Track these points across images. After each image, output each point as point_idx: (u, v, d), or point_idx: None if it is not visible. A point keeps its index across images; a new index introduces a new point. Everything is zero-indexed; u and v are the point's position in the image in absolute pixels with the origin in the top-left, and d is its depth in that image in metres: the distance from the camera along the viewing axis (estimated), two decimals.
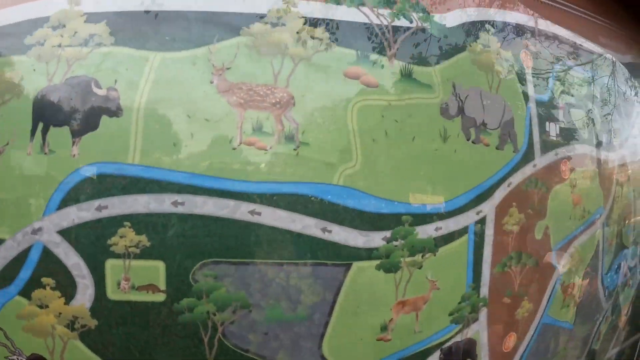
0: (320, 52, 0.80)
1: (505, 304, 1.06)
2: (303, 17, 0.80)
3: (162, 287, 0.76)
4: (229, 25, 0.79)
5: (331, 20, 0.82)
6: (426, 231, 0.88)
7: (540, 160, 1.10)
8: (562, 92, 1.20)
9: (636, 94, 1.66)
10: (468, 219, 0.94)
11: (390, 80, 0.85)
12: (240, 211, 0.76)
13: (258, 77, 0.79)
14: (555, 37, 1.21)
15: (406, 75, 0.86)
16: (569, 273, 1.27)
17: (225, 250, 0.77)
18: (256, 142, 0.79)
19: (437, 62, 0.90)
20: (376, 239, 0.84)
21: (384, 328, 0.88)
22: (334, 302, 0.82)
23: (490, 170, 0.98)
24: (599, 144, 1.38)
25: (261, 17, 0.79)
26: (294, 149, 0.79)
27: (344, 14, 0.82)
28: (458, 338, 0.98)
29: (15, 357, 0.82)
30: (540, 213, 1.11)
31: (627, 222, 1.62)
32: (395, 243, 0.86)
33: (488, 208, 0.97)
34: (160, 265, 0.75)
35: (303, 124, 0.79)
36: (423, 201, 0.86)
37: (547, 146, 1.13)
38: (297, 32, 0.79)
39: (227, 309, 0.76)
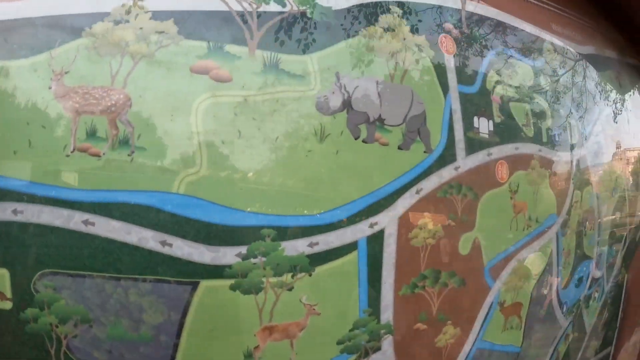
0: (164, 47, 0.71)
1: (420, 330, 0.91)
2: (149, 11, 0.71)
3: (8, 295, 0.72)
4: (71, 27, 0.73)
5: (182, 11, 0.72)
6: (296, 247, 0.76)
7: (465, 162, 0.95)
8: (498, 82, 1.05)
9: (601, 91, 1.51)
10: (357, 232, 0.80)
11: (248, 73, 0.73)
12: (74, 221, 0.70)
13: (96, 79, 0.72)
14: (491, 22, 1.06)
15: (271, 66, 0.74)
16: (510, 291, 1.12)
17: (62, 261, 0.72)
18: (89, 148, 0.72)
19: (316, 50, 0.78)
20: (228, 255, 0.72)
21: (248, 356, 0.76)
22: (182, 323, 0.72)
23: (389, 175, 0.83)
24: (550, 143, 1.23)
25: (105, 15, 0.72)
26: (128, 155, 0.69)
27: (198, 3, 0.72)
28: None
29: None
30: (465, 224, 0.95)
31: (589, 230, 1.47)
32: (254, 260, 0.74)
33: (387, 220, 0.82)
34: (5, 273, 0.71)
35: (139, 127, 0.69)
36: (292, 212, 0.73)
37: (476, 145, 0.98)
38: (140, 28, 0.70)
39: (69, 322, 0.71)
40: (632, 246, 1.97)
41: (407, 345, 0.91)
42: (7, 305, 0.72)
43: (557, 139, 1.25)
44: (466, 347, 1.04)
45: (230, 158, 0.72)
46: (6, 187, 0.72)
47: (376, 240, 0.83)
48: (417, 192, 0.87)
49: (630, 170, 1.80)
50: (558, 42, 1.35)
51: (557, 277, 1.30)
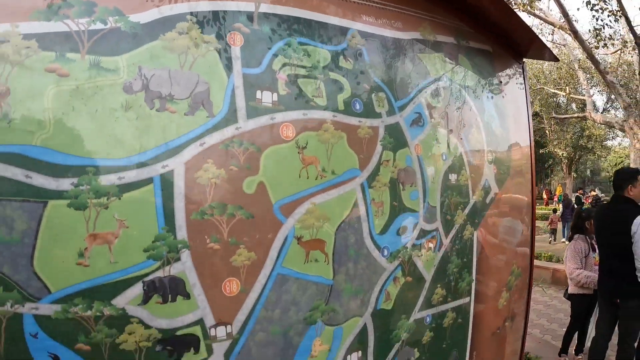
0: (29, 56, 1.12)
1: (213, 249, 1.30)
2: (22, 34, 1.11)
3: None
4: None
5: (41, 33, 1.13)
6: (109, 179, 1.16)
7: (247, 124, 1.35)
8: (285, 64, 1.47)
9: (424, 70, 1.94)
10: (152, 171, 1.20)
11: (80, 70, 1.16)
12: None
13: None
14: (284, 17, 1.48)
15: (94, 65, 1.17)
16: (308, 228, 1.50)
17: None
18: None
19: (126, 52, 1.21)
20: (66, 184, 1.13)
21: (81, 255, 1.14)
22: (37, 230, 1.10)
23: (177, 132, 1.24)
24: (348, 111, 1.66)
25: None
26: (7, 123, 1.08)
27: (51, 26, 1.14)
28: (160, 274, 1.21)
29: None
30: (249, 170, 1.35)
31: (409, 186, 1.88)
32: (82, 187, 1.13)
33: (175, 163, 1.22)
34: None
35: (14, 106, 1.10)
36: (107, 156, 1.16)
37: (259, 111, 1.39)
38: (16, 46, 1.11)
39: None
40: (479, 205, 2.40)
41: (203, 260, 1.29)
42: None
43: (357, 107, 1.69)
44: (265, 270, 1.42)
45: (68, 123, 1.14)
46: None
47: (167, 177, 1.22)
48: (201, 144, 1.27)
49: (460, 136, 2.20)
50: (368, 29, 1.75)
51: (367, 223, 1.71)
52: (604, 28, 10.20)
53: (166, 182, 1.21)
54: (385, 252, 1.77)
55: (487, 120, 2.40)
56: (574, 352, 6.76)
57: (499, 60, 2.61)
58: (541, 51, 2.87)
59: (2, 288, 1.08)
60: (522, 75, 2.89)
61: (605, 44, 10.61)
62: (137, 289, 1.20)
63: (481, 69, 2.40)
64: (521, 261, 2.82)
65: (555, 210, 14.87)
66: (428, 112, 1.98)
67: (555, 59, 3.04)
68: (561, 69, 17.72)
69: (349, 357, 1.68)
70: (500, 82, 2.60)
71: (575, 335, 6.50)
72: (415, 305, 1.96)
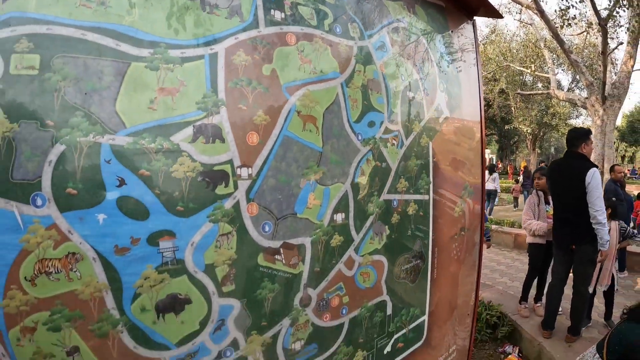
0: None
1: (242, 109, 1.94)
2: None
3: None
4: None
5: None
6: (175, 53, 1.57)
7: (265, 30, 1.98)
8: None
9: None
10: (204, 51, 1.70)
11: None
12: None
13: None
14: None
15: None
16: (305, 107, 2.15)
17: None
18: None
19: None
20: (144, 52, 1.47)
21: (151, 101, 1.48)
22: (121, 82, 1.43)
23: (220, 28, 1.69)
24: (330, 32, 2.31)
25: None
26: (104, 9, 1.41)
27: None
28: (205, 121, 1.65)
29: None
30: (265, 59, 1.98)
31: (375, 92, 2.58)
32: (156, 56, 1.49)
33: (219, 48, 1.76)
34: None
35: None
36: (174, 38, 1.57)
37: (273, 23, 2.01)
38: None
39: None
40: (432, 121, 3.13)
41: (235, 115, 1.94)
42: None
43: (337, 30, 2.36)
44: (276, 130, 2.08)
45: (147, 13, 1.49)
46: None
47: (213, 56, 1.84)
48: (235, 38, 1.95)
49: (416, 66, 2.86)
50: None
51: (346, 112, 2.42)
52: (569, 9, 11.14)
53: (213, 59, 1.81)
54: (360, 137, 2.45)
55: (439, 59, 3.13)
56: (533, 301, 7.66)
57: (451, 16, 3.34)
58: (489, 11, 3.61)
59: (88, 123, 1.35)
60: (473, 30, 3.64)
61: (570, 24, 11.59)
62: (189, 130, 1.60)
63: (434, 19, 3.13)
64: (473, 182, 3.33)
65: (517, 181, 16.34)
66: (390, 42, 2.69)
67: (500, 16, 3.80)
68: (527, 47, 18.80)
69: (335, 215, 2.39)
70: (452, 33, 3.34)
71: (535, 285, 7.36)
72: (384, 186, 2.59)
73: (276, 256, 2.03)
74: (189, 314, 1.75)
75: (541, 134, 28.48)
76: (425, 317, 3.18)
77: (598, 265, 5.73)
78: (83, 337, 1.47)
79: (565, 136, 5.79)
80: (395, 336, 2.89)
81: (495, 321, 6.83)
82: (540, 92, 20.96)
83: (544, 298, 6.68)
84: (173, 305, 1.72)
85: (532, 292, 7.42)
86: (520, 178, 17.29)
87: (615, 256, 6.02)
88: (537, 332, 6.60)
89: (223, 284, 1.83)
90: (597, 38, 14.81)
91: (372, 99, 2.48)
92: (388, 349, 2.88)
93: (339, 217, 2.32)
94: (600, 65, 13.68)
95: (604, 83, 11.99)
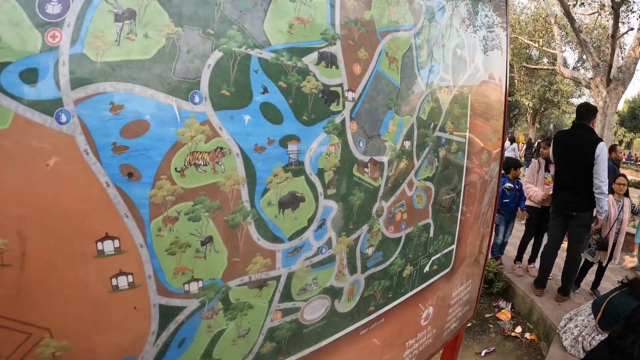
0: None
1: (350, 44, 2.39)
2: None
3: None
4: None
5: None
6: None
7: None
8: None
9: None
10: None
11: None
12: None
13: None
14: None
15: None
16: (390, 49, 2.68)
17: None
18: None
19: None
20: None
21: (290, 26, 1.72)
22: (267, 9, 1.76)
23: None
24: None
25: None
26: None
27: None
28: (326, 49, 1.83)
29: None
30: (366, 6, 2.47)
31: (435, 46, 3.14)
32: None
33: None
34: None
35: None
36: None
37: None
38: None
39: None
40: (474, 72, 3.75)
41: (345, 45, 2.54)
42: None
43: None
44: (372, 65, 2.61)
45: None
46: None
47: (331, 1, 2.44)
48: None
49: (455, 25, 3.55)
50: None
51: (415, 58, 2.99)
52: None
53: (332, 3, 2.38)
54: (424, 81, 3.01)
55: (479, 23, 3.67)
56: (527, 262, 8.53)
57: None
58: None
59: (242, 36, 1.50)
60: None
61: (583, 3, 12.16)
62: (315, 55, 1.80)
63: None
64: (497, 138, 3.77)
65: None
66: (446, 6, 3.21)
67: None
68: (537, 21, 19.13)
69: (405, 142, 2.99)
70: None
71: (530, 248, 8.20)
72: (437, 124, 3.11)
73: (365, 169, 2.61)
74: (301, 211, 2.17)
75: (542, 109, 28.47)
76: (454, 247, 3.86)
77: (611, 240, 6.44)
78: (218, 227, 1.65)
79: (577, 108, 6.32)
80: (433, 257, 3.58)
81: (492, 277, 7.67)
82: (545, 67, 21.48)
83: (537, 261, 7.35)
84: (292, 201, 2.11)
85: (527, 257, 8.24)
86: (522, 148, 18.17)
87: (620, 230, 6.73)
88: (530, 290, 7.43)
89: (328, 187, 2.39)
90: (608, 20, 15.34)
91: (433, 51, 3.04)
92: (427, 268, 3.56)
93: (407, 144, 2.93)
94: (608, 48, 14.25)
95: (610, 66, 12.57)
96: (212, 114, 1.59)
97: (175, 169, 1.47)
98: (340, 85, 2.27)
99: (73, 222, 1.15)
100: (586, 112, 5.84)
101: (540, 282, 7.10)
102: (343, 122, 2.32)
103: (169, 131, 1.42)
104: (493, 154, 3.54)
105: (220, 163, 1.67)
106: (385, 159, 2.63)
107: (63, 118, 1.09)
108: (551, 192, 6.67)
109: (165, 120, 1.38)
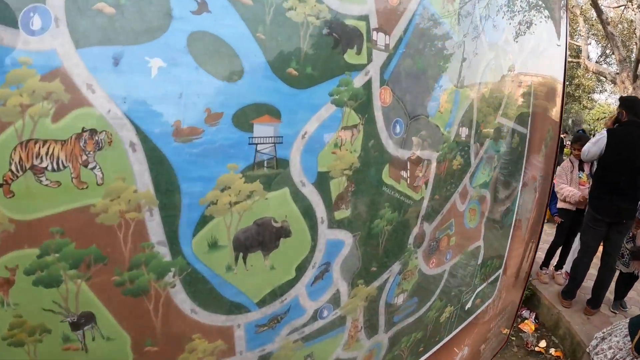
0: None
1: None
2: None
3: None
4: None
5: None
6: None
7: None
8: None
9: None
10: None
11: None
12: None
13: None
14: None
15: None
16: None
17: None
18: None
19: None
20: None
21: None
22: None
23: None
24: None
25: None
26: None
27: None
28: None
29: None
30: None
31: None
32: None
33: None
34: None
35: None
36: None
37: None
38: None
39: None
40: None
41: None
42: None
43: None
44: None
45: None
46: None
47: None
48: None
49: None
50: None
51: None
52: None
53: None
54: (487, 41, 1.80)
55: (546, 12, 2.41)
56: (554, 268, 7.30)
57: None
58: None
59: None
60: None
61: None
62: None
63: None
64: (554, 131, 2.93)
65: None
66: None
67: None
68: None
69: (460, 129, 1.74)
70: None
71: (558, 253, 6.97)
72: (500, 107, 2.04)
73: (402, 172, 1.39)
74: (283, 254, 1.14)
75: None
76: (501, 271, 2.66)
77: None
78: (102, 296, 0.97)
79: (627, 102, 5.17)
80: (477, 290, 2.36)
81: None
82: (569, 60, 19.75)
83: (565, 267, 6.41)
84: (262, 238, 1.08)
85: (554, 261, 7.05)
86: None
87: None
88: (556, 300, 6.40)
89: (336, 206, 1.20)
90: (635, 14, 13.78)
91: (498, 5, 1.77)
92: (469, 304, 2.36)
93: (463, 132, 1.68)
94: (633, 43, 12.83)
95: (638, 61, 11.20)
96: (71, 52, 0.76)
97: None
98: (365, 18, 1.17)
99: None
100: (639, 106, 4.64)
101: (570, 293, 5.97)
102: (368, 85, 1.06)
103: None
104: (549, 149, 2.88)
105: (93, 164, 0.82)
106: (433, 155, 1.38)
107: None
108: (587, 192, 5.33)
109: None
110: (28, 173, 0.79)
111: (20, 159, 0.78)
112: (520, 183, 2.50)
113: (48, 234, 0.81)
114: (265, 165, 1.00)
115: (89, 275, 0.86)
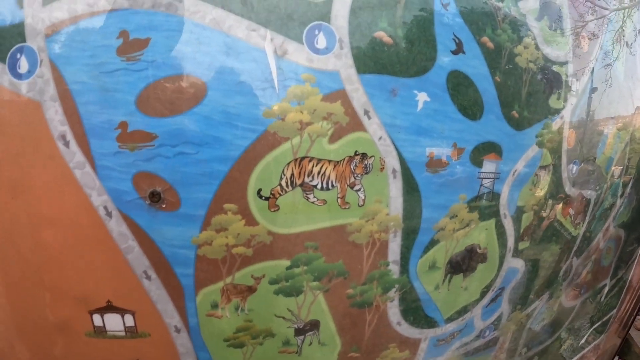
0: None
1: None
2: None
3: None
4: None
5: None
6: None
7: None
8: None
9: None
10: None
11: None
12: None
13: None
14: None
15: None
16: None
17: None
18: None
19: None
20: None
21: None
22: None
23: None
24: None
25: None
26: None
27: None
28: None
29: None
30: None
31: None
32: None
33: None
34: None
35: None
36: None
37: None
38: None
39: None
40: None
41: None
42: None
43: None
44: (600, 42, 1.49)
45: None
46: None
47: None
48: None
49: None
50: None
51: None
52: None
53: None
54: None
55: None
56: None
57: None
58: None
59: None
60: None
61: None
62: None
63: None
64: None
65: None
66: None
67: None
68: None
69: (614, 169, 1.73)
70: None
71: None
72: None
73: (570, 209, 1.45)
74: (476, 276, 1.24)
75: None
76: (615, 310, 2.58)
77: None
78: (331, 307, 1.08)
79: None
80: (594, 326, 2.32)
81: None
82: None
83: None
84: (468, 262, 1.19)
85: None
86: None
87: None
88: None
89: (522, 237, 1.28)
90: None
91: None
92: (582, 341, 2.32)
93: (616, 172, 1.70)
94: None
95: None
96: (353, 76, 0.82)
97: (259, 192, 0.78)
98: (565, 64, 1.26)
99: None
100: None
101: None
102: (561, 129, 1.15)
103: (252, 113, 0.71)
104: None
105: (358, 186, 0.90)
106: (593, 194, 1.43)
107: None
108: None
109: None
110: (297, 189, 0.86)
111: (292, 174, 0.84)
112: None
113: (302, 248, 0.91)
114: (484, 197, 1.11)
115: (328, 288, 0.98)
